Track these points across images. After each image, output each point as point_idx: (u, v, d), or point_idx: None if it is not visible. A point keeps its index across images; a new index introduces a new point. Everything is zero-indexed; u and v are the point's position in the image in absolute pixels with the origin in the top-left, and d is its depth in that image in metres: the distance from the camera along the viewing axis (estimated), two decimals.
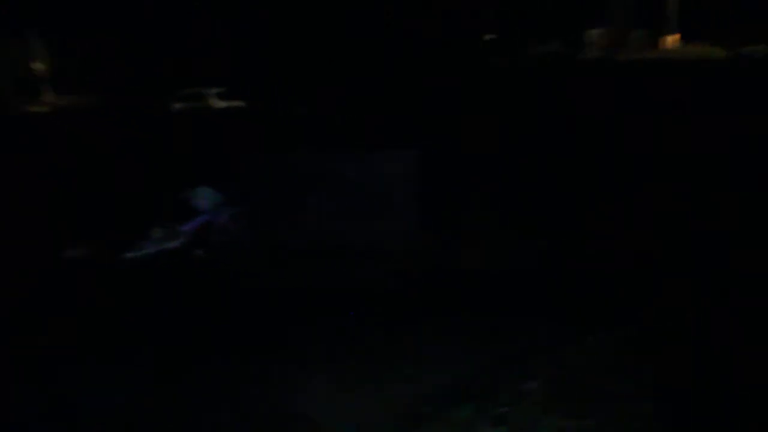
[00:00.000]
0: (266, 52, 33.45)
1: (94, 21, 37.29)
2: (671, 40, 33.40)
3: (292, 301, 6.18)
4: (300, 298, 6.22)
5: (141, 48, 35.84)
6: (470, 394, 4.50)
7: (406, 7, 34.36)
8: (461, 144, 11.32)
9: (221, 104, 27.35)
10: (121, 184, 9.67)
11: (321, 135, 12.39)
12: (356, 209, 7.60)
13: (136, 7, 36.10)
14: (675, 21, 33.13)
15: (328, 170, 7.86)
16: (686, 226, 7.36)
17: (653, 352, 4.95)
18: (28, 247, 7.89)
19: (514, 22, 34.28)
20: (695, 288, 5.87)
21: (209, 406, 4.71)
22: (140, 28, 36.38)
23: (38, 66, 40.77)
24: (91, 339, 5.74)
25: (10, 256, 7.49)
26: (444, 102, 18.58)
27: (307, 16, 34.60)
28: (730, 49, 28.69)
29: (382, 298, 6.14)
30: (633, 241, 7.07)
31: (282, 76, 30.00)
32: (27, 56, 41.16)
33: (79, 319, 6.13)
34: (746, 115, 12.82)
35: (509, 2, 34.62)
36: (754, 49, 27.53)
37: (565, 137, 12.68)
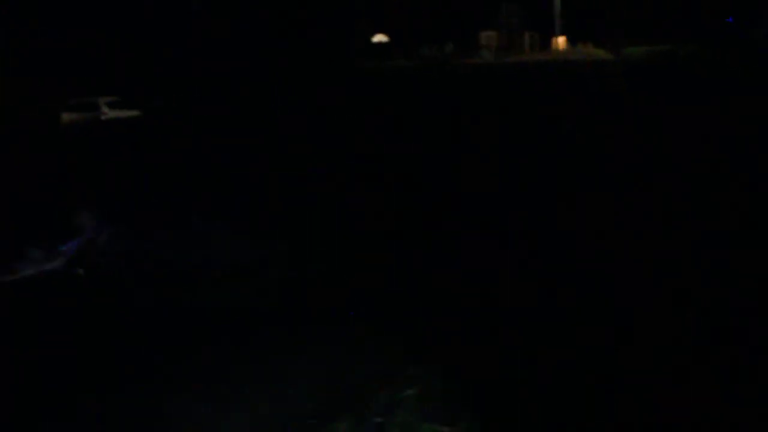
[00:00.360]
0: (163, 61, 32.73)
1: None
2: (561, 41, 34.53)
3: (171, 321, 6.03)
4: (178, 317, 6.08)
5: (31, 56, 34.45)
6: (347, 406, 4.49)
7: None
8: None
9: (113, 114, 26.47)
10: None
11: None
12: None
13: (29, 12, 34.62)
14: (561, 24, 34.28)
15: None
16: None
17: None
18: None
19: (407, 24, 34.70)
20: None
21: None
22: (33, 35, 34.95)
23: None
24: None
25: None
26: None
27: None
28: (614, 50, 29.93)
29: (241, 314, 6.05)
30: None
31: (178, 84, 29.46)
32: None
33: None
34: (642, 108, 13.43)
35: (402, 5, 35.01)
36: (634, 50, 28.85)
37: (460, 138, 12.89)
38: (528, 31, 34.95)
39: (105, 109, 26.63)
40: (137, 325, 5.98)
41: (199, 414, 4.51)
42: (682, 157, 9.67)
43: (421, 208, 8.43)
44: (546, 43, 34.61)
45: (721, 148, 10.01)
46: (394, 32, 35.23)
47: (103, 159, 12.03)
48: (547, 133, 12.14)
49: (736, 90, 16.01)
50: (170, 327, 5.90)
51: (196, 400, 4.68)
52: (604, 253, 6.58)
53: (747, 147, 9.90)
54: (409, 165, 10.58)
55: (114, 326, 6.06)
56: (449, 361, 5.02)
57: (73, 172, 10.36)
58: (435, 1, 33.99)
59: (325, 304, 5.97)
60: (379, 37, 35.44)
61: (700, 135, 10.99)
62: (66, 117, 26.17)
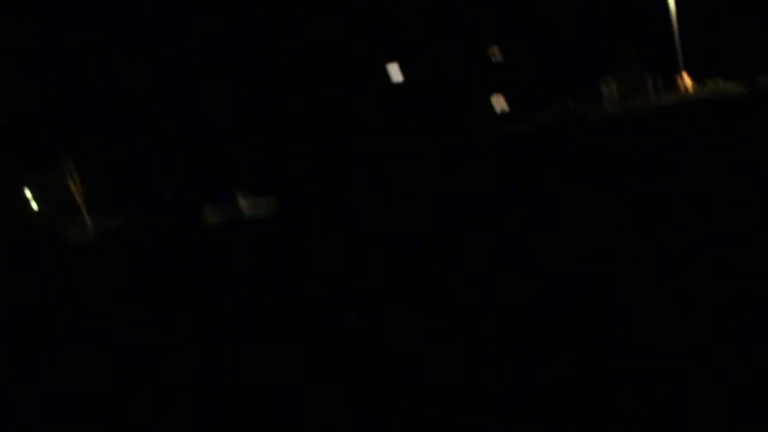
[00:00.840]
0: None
1: (123, 145, 38.44)
2: (686, 80, 33.36)
3: None
4: None
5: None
6: None
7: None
8: None
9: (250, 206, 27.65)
10: None
11: None
12: None
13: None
14: (683, 61, 33.14)
15: None
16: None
17: None
18: None
19: (524, 86, 34.66)
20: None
21: None
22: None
23: (75, 192, 42.15)
24: None
25: None
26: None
27: None
28: (748, 83, 28.55)
29: None
30: None
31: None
32: (64, 184, 42.55)
33: None
34: None
35: (514, 68, 35.10)
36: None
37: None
38: (650, 72, 33.96)
39: (241, 199, 27.89)
40: None
41: None
42: None
43: None
44: (669, 83, 33.50)
45: None
46: (512, 95, 35.33)
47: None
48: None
49: None
50: None
51: None
52: None
53: None
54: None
55: None
56: None
57: None
58: (549, 60, 33.93)
59: None
60: (497, 102, 35.60)
61: None
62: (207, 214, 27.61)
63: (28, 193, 41.62)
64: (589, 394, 4.72)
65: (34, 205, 41.65)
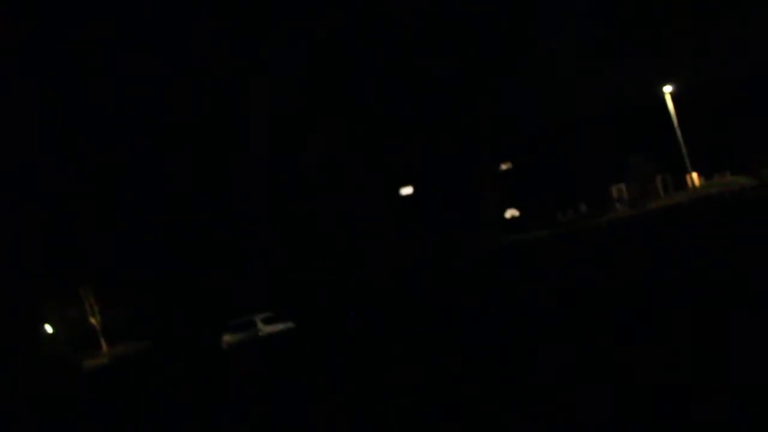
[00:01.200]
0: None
1: (138, 273, 38.93)
2: (695, 177, 33.62)
3: None
4: None
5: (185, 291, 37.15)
6: None
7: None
8: None
9: (269, 329, 27.60)
10: None
11: None
12: None
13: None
14: (688, 161, 33.44)
15: None
16: None
17: None
18: None
19: (537, 196, 35.08)
20: None
21: None
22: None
23: (93, 321, 42.46)
24: None
25: None
26: None
27: None
28: (756, 175, 28.76)
29: None
30: None
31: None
32: (82, 313, 42.96)
33: None
34: None
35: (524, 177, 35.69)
36: None
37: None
38: (659, 175, 34.33)
39: (260, 326, 27.91)
40: None
41: None
42: None
43: None
44: (680, 182, 33.80)
45: None
46: (524, 204, 35.74)
47: None
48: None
49: None
50: None
51: None
52: None
53: None
54: None
55: None
56: None
57: None
58: (560, 171, 34.49)
59: None
60: (511, 212, 36.00)
61: None
62: (227, 338, 27.62)
63: (47, 324, 42.13)
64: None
65: (51, 331, 42.05)
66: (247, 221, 37.02)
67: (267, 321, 27.92)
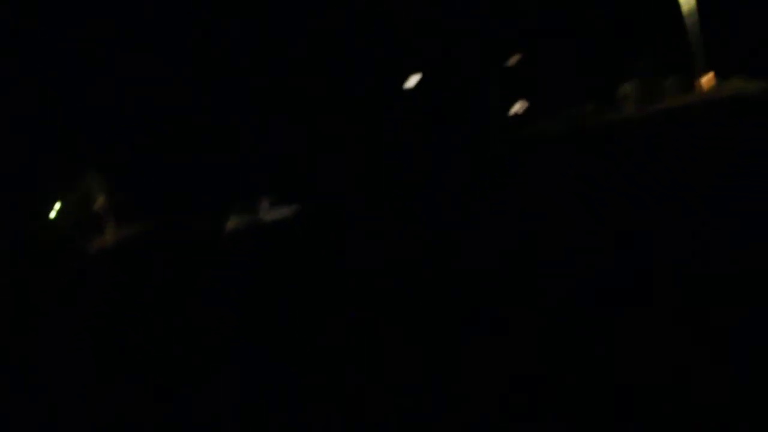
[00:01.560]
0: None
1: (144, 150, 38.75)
2: (706, 80, 32.95)
3: None
4: None
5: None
6: None
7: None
8: None
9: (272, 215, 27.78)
10: None
11: None
12: None
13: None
14: (704, 60, 32.64)
15: None
16: None
17: None
18: None
19: (541, 88, 34.54)
20: None
21: None
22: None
23: (100, 202, 42.59)
24: None
25: None
26: None
27: None
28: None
29: None
30: None
31: None
32: (89, 194, 43.06)
33: None
34: None
35: (531, 69, 34.98)
36: None
37: None
38: (670, 76, 33.65)
39: (265, 210, 28.08)
40: None
41: None
42: None
43: None
44: (691, 84, 33.14)
45: None
46: (533, 98, 35.22)
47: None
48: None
49: None
50: None
51: None
52: None
53: None
54: None
55: None
56: None
57: None
58: (569, 63, 33.76)
59: None
60: (519, 106, 35.51)
61: None
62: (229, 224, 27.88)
63: (54, 202, 42.24)
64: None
65: (56, 212, 42.26)
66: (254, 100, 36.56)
67: (273, 205, 28.10)
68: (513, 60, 35.68)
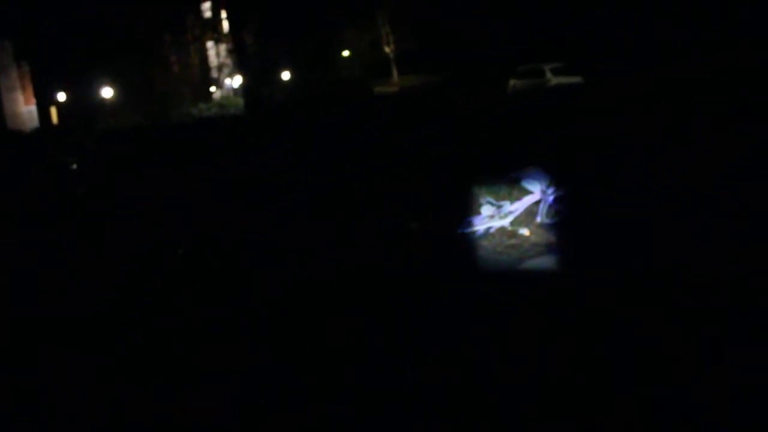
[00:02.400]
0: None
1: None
2: None
3: None
4: None
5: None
6: None
7: None
8: None
9: (557, 80, 27.19)
10: (457, 163, 10.09)
11: None
12: None
13: None
14: None
15: None
16: None
17: None
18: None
19: None
20: None
21: None
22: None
23: (387, 49, 44.14)
24: None
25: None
26: None
27: None
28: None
29: None
30: None
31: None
32: (377, 41, 44.75)
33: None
34: None
35: None
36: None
37: None
38: None
39: (549, 76, 27.49)
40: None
41: None
42: None
43: None
44: None
45: None
46: None
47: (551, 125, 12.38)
48: None
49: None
50: None
51: None
52: None
53: None
54: None
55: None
56: None
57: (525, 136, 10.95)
58: None
59: None
60: None
61: None
62: (514, 83, 27.66)
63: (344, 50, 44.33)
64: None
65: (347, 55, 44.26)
66: None
67: (557, 71, 27.42)
68: None
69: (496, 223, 8.07)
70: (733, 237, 6.74)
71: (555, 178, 8.29)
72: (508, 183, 8.36)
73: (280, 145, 14.16)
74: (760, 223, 6.92)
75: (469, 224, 8.02)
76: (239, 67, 36.39)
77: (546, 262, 7.28)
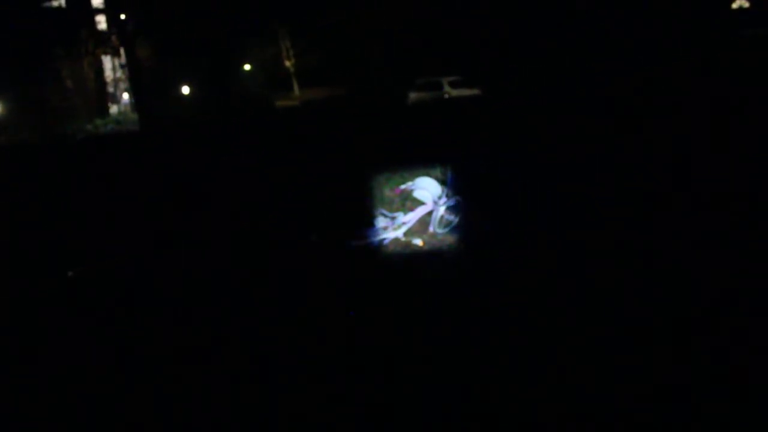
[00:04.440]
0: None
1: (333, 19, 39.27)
2: None
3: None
4: None
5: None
6: None
7: None
8: None
9: (456, 92, 27.66)
10: (350, 176, 10.13)
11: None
12: None
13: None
14: None
15: None
16: None
17: None
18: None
19: None
20: None
21: None
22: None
23: (288, 64, 44.00)
24: None
25: None
26: None
27: None
28: None
29: None
30: None
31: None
32: (278, 55, 44.53)
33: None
34: None
35: None
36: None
37: None
38: None
39: (447, 88, 27.97)
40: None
41: None
42: None
43: None
44: None
45: None
46: None
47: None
48: None
49: None
50: None
51: None
52: None
53: None
54: None
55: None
56: None
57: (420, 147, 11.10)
58: None
59: None
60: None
61: None
62: (412, 95, 28.00)
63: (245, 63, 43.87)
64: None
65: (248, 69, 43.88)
66: None
67: (455, 84, 27.92)
68: None
69: (390, 235, 8.21)
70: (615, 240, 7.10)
71: (447, 188, 8.49)
72: (401, 195, 8.51)
73: (174, 161, 13.84)
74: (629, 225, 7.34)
75: (364, 236, 8.13)
76: (131, 81, 35.58)
77: (438, 269, 7.47)
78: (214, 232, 9.31)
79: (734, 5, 32.69)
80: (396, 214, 8.30)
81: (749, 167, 8.57)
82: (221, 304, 6.97)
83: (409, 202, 8.42)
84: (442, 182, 8.53)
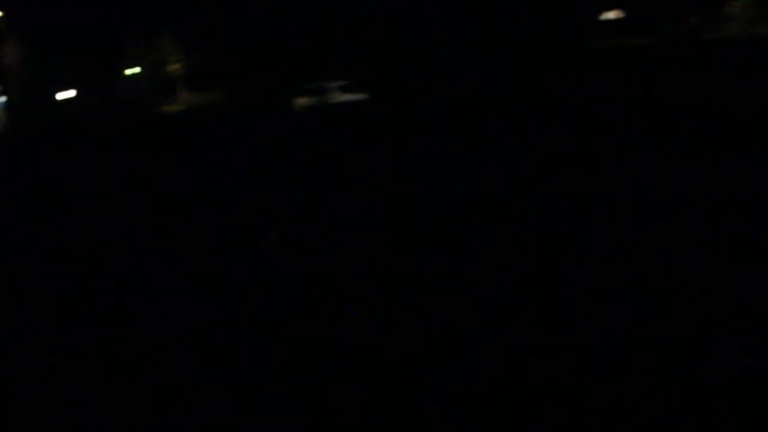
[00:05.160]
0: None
1: (220, 23, 38.65)
2: None
3: None
4: None
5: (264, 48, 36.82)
6: None
7: None
8: None
9: (343, 98, 27.36)
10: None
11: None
12: None
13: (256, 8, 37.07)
14: None
15: None
16: None
17: None
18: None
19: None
20: None
21: None
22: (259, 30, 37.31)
23: (174, 68, 42.84)
24: None
25: None
26: None
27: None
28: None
29: None
30: None
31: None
32: (164, 60, 43.32)
33: None
34: None
35: None
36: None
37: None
38: None
39: (334, 93, 27.61)
40: None
41: None
42: None
43: None
44: None
45: None
46: (630, 7, 33.10)
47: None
48: None
49: None
50: None
51: None
52: None
53: None
54: None
55: None
56: None
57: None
58: None
59: None
60: (611, 14, 33.41)
61: None
62: (299, 100, 27.54)
63: (128, 69, 42.52)
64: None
65: (131, 73, 42.66)
66: None
67: (342, 89, 27.58)
68: None
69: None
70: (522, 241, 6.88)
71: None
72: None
73: (50, 165, 13.16)
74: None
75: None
76: (2, 83, 33.70)
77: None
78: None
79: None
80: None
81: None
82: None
83: None
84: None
